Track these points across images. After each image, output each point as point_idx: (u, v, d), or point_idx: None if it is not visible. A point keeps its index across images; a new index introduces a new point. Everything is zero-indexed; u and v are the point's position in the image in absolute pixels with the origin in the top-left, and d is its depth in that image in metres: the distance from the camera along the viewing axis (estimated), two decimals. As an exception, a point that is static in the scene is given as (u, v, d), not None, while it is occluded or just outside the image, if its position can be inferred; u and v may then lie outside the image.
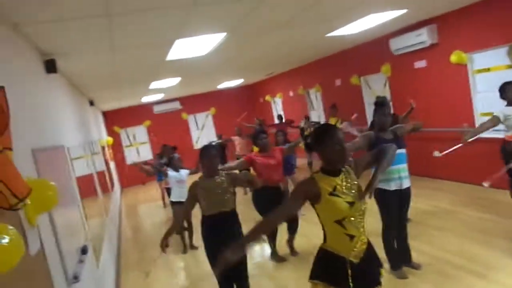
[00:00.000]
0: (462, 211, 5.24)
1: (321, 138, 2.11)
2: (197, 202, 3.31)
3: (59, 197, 1.89)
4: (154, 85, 8.39)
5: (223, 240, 3.18)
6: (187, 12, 3.35)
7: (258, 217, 4.92)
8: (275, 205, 4.86)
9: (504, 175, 4.37)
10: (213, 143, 10.18)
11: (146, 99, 11.85)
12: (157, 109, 13.79)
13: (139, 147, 13.99)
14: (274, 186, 4.39)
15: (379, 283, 2.15)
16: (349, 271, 2.04)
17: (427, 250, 4.21)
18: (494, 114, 4.28)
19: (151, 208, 9.43)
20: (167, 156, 6.67)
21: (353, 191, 2.11)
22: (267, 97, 14.01)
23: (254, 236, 2.17)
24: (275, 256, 4.74)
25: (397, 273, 3.73)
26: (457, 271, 3.69)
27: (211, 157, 3.21)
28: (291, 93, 12.25)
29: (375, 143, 3.49)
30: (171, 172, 5.47)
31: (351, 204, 2.06)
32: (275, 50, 6.80)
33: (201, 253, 5.42)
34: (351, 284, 2.02)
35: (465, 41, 5.95)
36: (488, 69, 5.82)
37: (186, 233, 5.85)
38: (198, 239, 5.47)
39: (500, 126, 4.44)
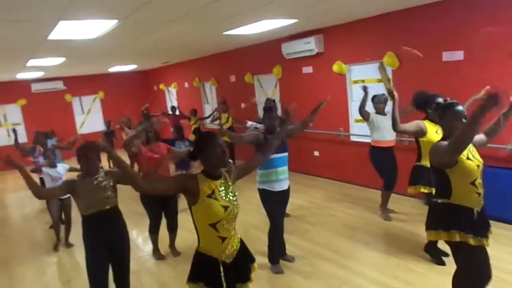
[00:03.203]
0: (333, 207, 5.84)
1: (203, 147, 2.23)
2: (70, 195, 3.13)
3: None
4: (32, 62, 7.55)
5: (106, 241, 3.08)
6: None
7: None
8: (163, 203, 4.74)
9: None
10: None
11: (22, 75, 10.57)
12: (35, 87, 12.39)
13: (10, 128, 12.46)
14: None
15: (249, 279, 2.36)
16: (222, 272, 2.18)
17: (301, 244, 4.62)
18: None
19: (22, 198, 8.31)
20: (40, 145, 6.06)
21: (229, 195, 2.26)
22: (161, 86, 13.64)
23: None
24: (156, 253, 4.72)
25: (274, 268, 4.01)
26: (325, 263, 4.12)
27: (89, 159, 3.00)
28: (186, 84, 12.12)
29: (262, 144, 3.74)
30: (45, 169, 5.01)
31: (226, 208, 2.20)
32: (171, 41, 6.67)
33: (76, 250, 5.14)
34: (224, 284, 2.16)
35: (346, 54, 6.59)
36: (362, 81, 6.55)
37: (63, 227, 5.42)
38: (74, 237, 5.16)
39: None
